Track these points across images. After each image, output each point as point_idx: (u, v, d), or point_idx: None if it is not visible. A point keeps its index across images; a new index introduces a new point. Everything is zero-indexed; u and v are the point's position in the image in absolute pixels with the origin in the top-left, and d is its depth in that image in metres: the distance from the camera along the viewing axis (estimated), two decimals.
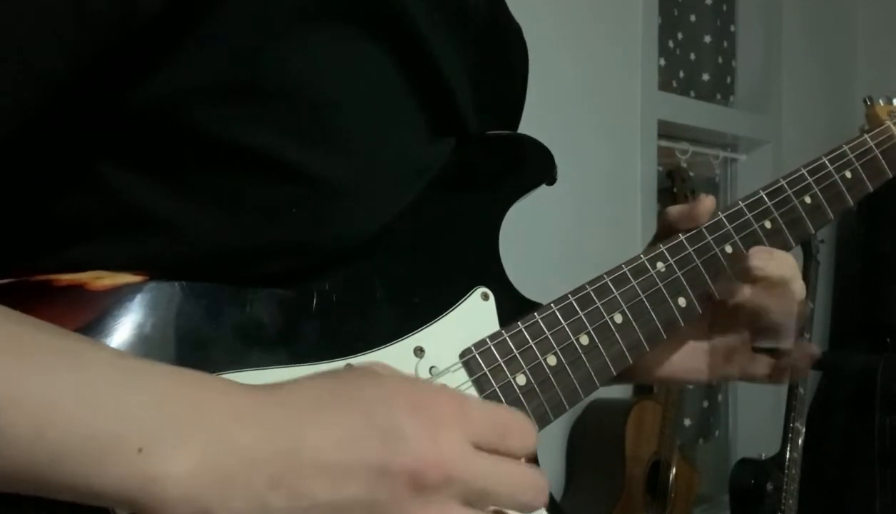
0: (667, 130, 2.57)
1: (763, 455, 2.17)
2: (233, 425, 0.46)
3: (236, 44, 0.52)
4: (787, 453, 2.09)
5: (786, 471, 2.07)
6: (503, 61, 0.75)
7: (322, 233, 0.57)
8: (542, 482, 0.53)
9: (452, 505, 0.48)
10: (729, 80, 2.99)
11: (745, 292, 0.78)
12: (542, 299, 0.69)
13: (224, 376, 0.52)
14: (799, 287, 0.78)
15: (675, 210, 0.81)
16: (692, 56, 2.85)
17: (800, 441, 2.10)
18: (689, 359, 0.83)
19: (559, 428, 2.19)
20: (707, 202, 0.81)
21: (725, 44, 2.97)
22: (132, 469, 0.43)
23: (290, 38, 0.53)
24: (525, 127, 0.79)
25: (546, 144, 0.72)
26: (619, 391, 2.35)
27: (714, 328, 0.82)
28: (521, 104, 0.79)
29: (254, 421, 0.46)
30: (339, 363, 0.57)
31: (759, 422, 2.91)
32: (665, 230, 0.82)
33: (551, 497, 0.65)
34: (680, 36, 2.81)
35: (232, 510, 0.44)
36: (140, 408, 0.44)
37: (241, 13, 0.51)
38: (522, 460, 0.63)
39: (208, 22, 0.50)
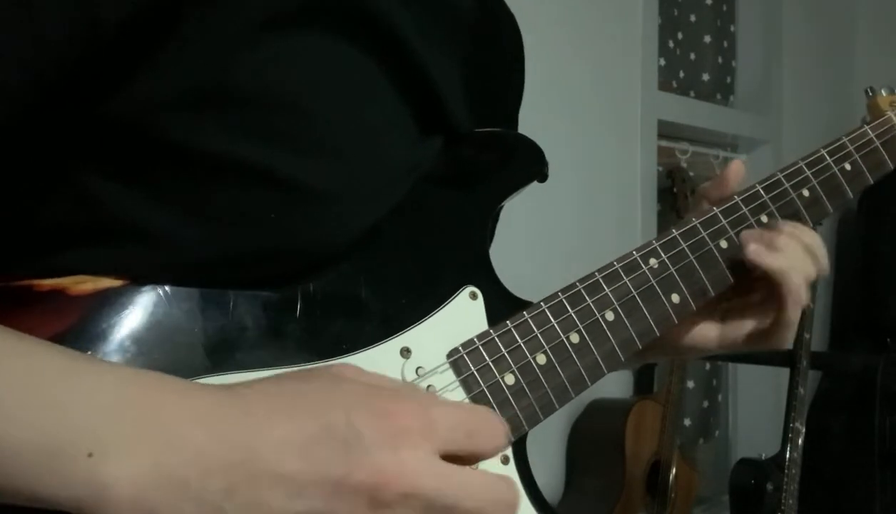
0: (667, 130, 2.57)
1: (763, 455, 2.16)
2: (188, 431, 0.44)
3: (207, 52, 0.51)
4: (787, 453, 2.08)
5: (786, 471, 2.06)
6: (496, 53, 0.73)
7: (307, 238, 0.56)
8: (512, 495, 0.51)
9: None
10: (729, 80, 2.99)
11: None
12: (540, 299, 0.68)
13: (207, 379, 0.51)
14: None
15: (707, 185, 0.81)
16: (692, 56, 2.85)
17: (800, 441, 2.09)
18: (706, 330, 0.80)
19: (559, 428, 2.19)
20: (734, 166, 0.81)
21: (725, 44, 2.97)
22: (81, 474, 0.42)
23: (262, 44, 0.52)
24: (524, 127, 0.78)
25: (545, 144, 0.71)
26: (620, 391, 2.35)
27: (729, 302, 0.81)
28: (520, 94, 0.77)
29: (211, 426, 0.45)
30: (323, 364, 0.56)
31: (759, 422, 2.91)
32: (705, 205, 0.81)
33: (541, 495, 0.64)
34: (680, 36, 2.81)
35: None
36: (92, 411, 0.43)
37: (210, 21, 0.50)
38: (497, 459, 0.62)
39: (177, 31, 0.50)
